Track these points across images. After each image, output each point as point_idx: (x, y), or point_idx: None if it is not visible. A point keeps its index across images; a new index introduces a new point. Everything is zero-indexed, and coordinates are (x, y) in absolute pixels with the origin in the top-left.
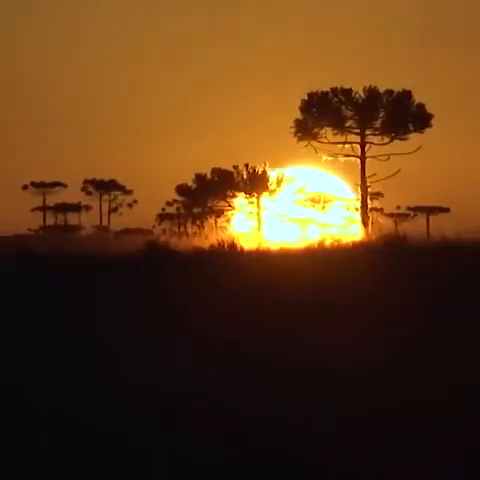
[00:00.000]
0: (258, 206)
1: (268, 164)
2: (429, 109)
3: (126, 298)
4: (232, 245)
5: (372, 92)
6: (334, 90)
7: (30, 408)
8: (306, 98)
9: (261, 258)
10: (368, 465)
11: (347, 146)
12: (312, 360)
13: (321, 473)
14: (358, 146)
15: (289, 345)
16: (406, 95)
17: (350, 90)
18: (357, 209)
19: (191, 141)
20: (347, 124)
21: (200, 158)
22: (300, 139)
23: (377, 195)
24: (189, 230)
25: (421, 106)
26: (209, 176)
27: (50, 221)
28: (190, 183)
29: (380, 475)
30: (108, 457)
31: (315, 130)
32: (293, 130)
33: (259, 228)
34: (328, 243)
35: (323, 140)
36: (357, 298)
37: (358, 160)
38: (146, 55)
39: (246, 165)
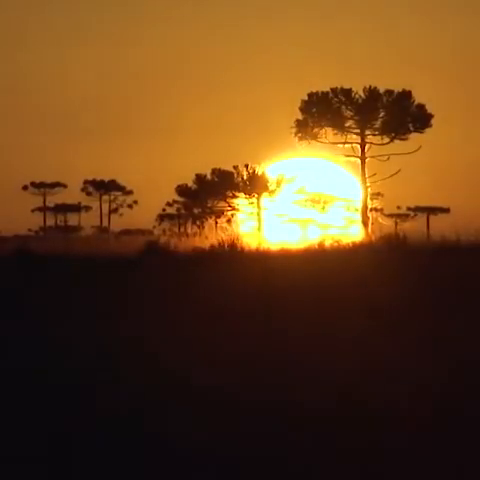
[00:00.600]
0: (258, 206)
1: (268, 160)
2: (429, 109)
3: (126, 298)
4: (232, 245)
5: (372, 92)
6: (334, 90)
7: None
8: (306, 98)
9: (261, 258)
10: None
11: (347, 146)
12: (312, 360)
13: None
14: (358, 146)
15: (289, 345)
16: (406, 95)
17: (350, 90)
18: (357, 209)
19: (191, 141)
20: (347, 124)
21: (200, 158)
22: (300, 139)
23: (377, 195)
24: (189, 230)
25: (421, 106)
26: (209, 177)
27: (50, 222)
28: (190, 183)
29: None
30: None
31: (315, 130)
32: (293, 130)
33: (259, 228)
34: (328, 243)
35: (323, 140)
36: (357, 298)
37: (358, 160)
38: (144, 55)
39: (246, 165)
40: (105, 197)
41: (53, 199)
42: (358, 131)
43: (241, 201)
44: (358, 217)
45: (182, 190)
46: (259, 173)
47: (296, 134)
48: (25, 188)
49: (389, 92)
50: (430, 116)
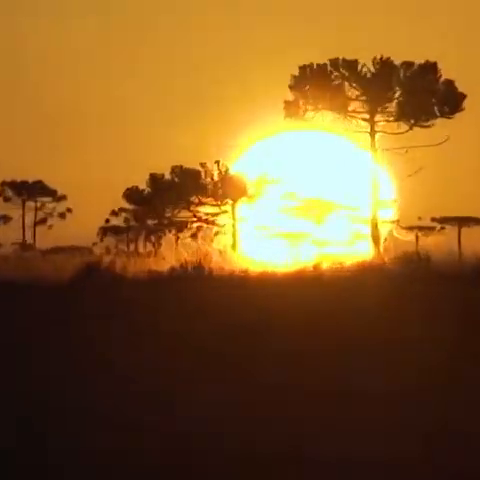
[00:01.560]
0: (233, 216)
1: (247, 145)
2: (460, 87)
3: (57, 332)
4: (198, 268)
5: (384, 64)
6: (334, 62)
7: None
8: (297, 73)
9: (236, 285)
10: None
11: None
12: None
13: None
14: (367, 136)
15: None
16: (430, 68)
17: (355, 62)
18: (365, 220)
19: (144, 132)
20: (351, 107)
21: (156, 154)
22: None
23: (392, 202)
24: (141, 248)
25: (450, 83)
26: (168, 177)
27: None
28: (143, 186)
29: None
30: None
31: (309, 114)
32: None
33: (234, 245)
34: (326, 266)
35: (320, 127)
36: (364, 340)
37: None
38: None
39: (217, 162)
40: (29, 204)
41: None
42: (366, 116)
43: (210, 209)
44: (367, 230)
45: (132, 195)
46: (234, 172)
47: (285, 118)
48: None
49: (407, 64)
50: (462, 96)
